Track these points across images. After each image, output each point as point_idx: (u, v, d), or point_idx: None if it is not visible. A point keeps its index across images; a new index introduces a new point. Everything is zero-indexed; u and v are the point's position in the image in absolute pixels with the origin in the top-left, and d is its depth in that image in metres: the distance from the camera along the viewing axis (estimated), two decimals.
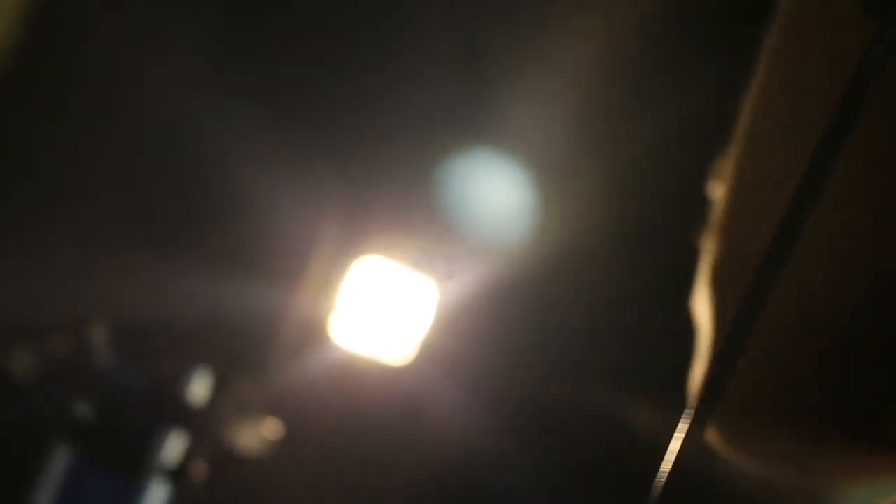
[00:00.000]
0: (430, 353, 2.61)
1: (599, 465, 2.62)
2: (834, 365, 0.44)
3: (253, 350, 2.35)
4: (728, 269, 0.50)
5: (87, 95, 2.39)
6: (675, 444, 0.39)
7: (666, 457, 0.39)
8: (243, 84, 2.43)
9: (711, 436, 0.45)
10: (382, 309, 2.59)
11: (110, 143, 2.37)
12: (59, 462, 1.99)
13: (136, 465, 1.98)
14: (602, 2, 2.39)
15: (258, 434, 2.05)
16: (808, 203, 0.39)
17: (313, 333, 2.55)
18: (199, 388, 2.07)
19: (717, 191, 0.54)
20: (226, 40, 2.45)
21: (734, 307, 0.46)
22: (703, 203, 0.57)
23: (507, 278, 2.55)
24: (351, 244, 2.57)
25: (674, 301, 2.31)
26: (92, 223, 2.31)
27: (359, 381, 2.61)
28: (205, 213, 2.44)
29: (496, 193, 2.58)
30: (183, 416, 2.01)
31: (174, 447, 2.03)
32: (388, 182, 2.58)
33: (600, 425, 2.59)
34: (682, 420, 0.39)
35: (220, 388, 2.08)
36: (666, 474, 0.38)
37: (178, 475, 1.99)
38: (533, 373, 2.61)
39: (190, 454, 2.01)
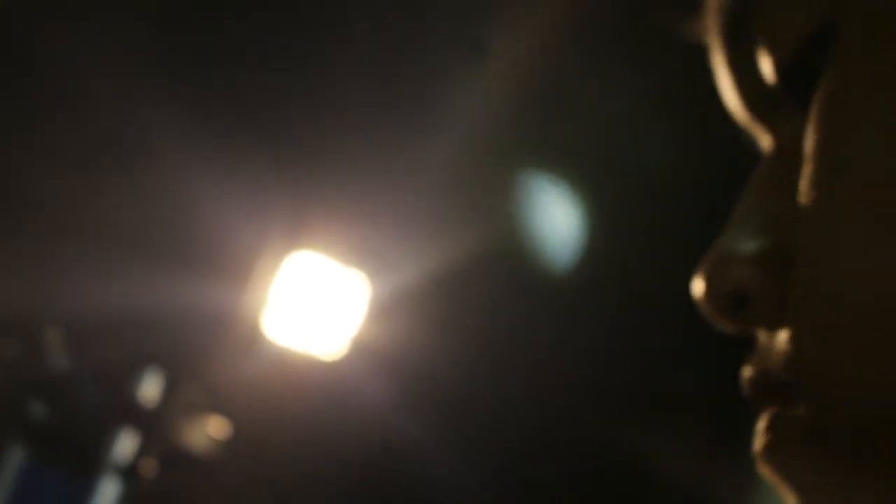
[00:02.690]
0: (362, 348, 2.73)
1: (527, 460, 2.76)
2: None
3: (195, 349, 2.45)
4: None
5: (34, 97, 2.47)
6: None
7: None
8: (185, 84, 2.52)
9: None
10: (314, 304, 2.72)
11: (56, 145, 2.46)
12: (13, 461, 2.11)
13: (87, 463, 2.12)
14: None
15: (205, 432, 2.17)
16: None
17: (248, 330, 2.66)
18: (149, 388, 2.20)
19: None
20: (169, 41, 2.53)
21: None
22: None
23: (439, 274, 2.67)
24: (286, 240, 2.68)
25: (625, 299, 2.42)
26: (39, 227, 2.40)
27: (291, 376, 2.72)
28: (145, 211, 2.54)
29: (435, 190, 2.70)
30: (134, 415, 2.14)
31: (125, 445, 2.17)
32: (323, 178, 2.69)
33: (530, 421, 2.75)
34: None
35: (169, 388, 2.21)
36: None
37: (129, 472, 2.12)
38: (462, 367, 2.75)
39: (140, 452, 2.13)
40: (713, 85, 0.46)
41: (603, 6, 2.48)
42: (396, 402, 2.75)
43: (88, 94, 2.46)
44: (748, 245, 0.42)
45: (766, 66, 0.43)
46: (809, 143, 0.40)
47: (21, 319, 2.14)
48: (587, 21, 2.46)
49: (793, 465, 0.41)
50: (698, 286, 0.43)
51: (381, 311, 2.74)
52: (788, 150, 0.42)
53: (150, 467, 2.16)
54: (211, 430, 2.22)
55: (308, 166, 2.69)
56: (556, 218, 2.75)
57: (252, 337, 2.67)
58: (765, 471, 0.42)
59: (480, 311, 2.77)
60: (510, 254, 2.78)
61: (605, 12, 2.49)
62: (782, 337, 0.41)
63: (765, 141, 0.45)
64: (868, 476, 0.40)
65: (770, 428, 0.42)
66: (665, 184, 2.62)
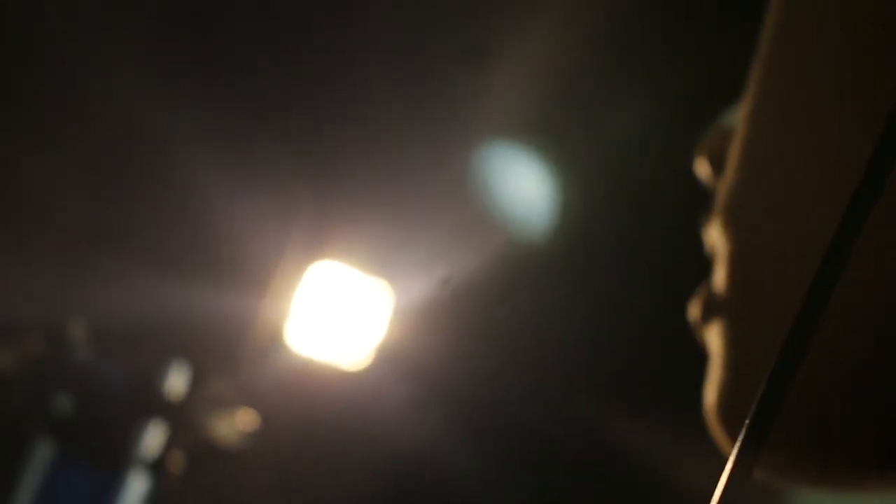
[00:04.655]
0: (386, 358, 2.76)
1: (558, 468, 2.79)
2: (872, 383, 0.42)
3: (221, 348, 2.51)
4: (745, 269, 0.46)
5: (60, 106, 2.54)
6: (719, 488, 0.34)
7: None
8: (210, 90, 2.58)
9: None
10: (338, 313, 2.76)
11: (84, 148, 2.52)
12: (41, 456, 2.16)
13: (115, 458, 2.17)
14: None
15: (233, 426, 2.25)
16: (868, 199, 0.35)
17: (271, 339, 2.69)
18: (176, 383, 2.26)
19: (705, 169, 0.50)
20: (192, 45, 2.60)
21: (741, 319, 0.44)
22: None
23: (464, 282, 2.69)
24: (310, 249, 2.72)
25: (653, 306, 2.38)
26: (66, 231, 2.46)
27: (315, 386, 2.75)
28: (166, 215, 2.60)
29: (458, 197, 2.75)
30: (160, 409, 2.20)
31: (152, 440, 2.22)
32: (347, 186, 2.74)
33: (560, 428, 2.75)
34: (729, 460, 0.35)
35: (195, 383, 2.28)
36: None
37: (156, 467, 2.18)
38: (487, 375, 2.76)
39: (168, 446, 2.20)
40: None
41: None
42: (422, 411, 2.76)
43: (112, 101, 2.50)
44: (733, 121, 0.50)
45: None
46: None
47: (48, 317, 2.19)
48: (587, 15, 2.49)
49: (715, 332, 0.47)
50: (700, 163, 0.51)
51: (405, 319, 2.77)
52: None
53: (177, 461, 2.21)
54: (238, 424, 2.26)
55: (331, 175, 2.73)
56: (578, 221, 2.77)
57: (275, 346, 2.70)
58: (699, 338, 0.49)
59: (506, 318, 2.79)
60: (536, 261, 2.79)
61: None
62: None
63: None
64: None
65: (699, 304, 0.49)
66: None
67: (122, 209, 2.56)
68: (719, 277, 0.47)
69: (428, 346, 2.79)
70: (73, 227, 2.48)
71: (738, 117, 0.48)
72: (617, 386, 2.77)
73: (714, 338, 0.47)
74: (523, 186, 2.81)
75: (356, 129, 2.72)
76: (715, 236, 0.48)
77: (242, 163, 2.62)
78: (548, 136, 2.77)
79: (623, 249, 2.76)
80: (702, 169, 0.50)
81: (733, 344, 0.46)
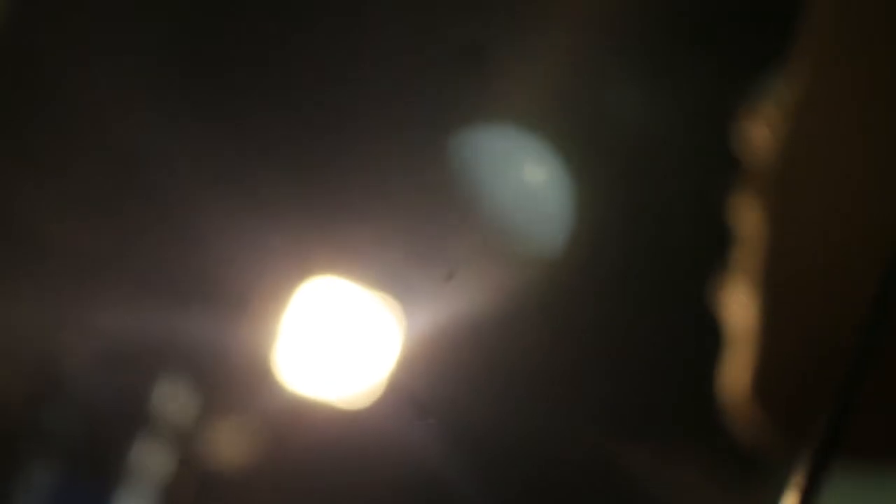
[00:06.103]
0: (395, 393, 2.56)
1: None
2: None
3: (223, 370, 2.45)
4: (779, 251, 0.47)
5: (45, 125, 2.52)
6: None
7: None
8: (191, 103, 2.52)
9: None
10: (337, 340, 2.58)
11: (69, 171, 2.51)
12: (40, 480, 2.10)
13: (112, 479, 2.11)
14: None
15: (231, 451, 2.24)
16: None
17: (261, 370, 2.52)
18: (175, 404, 2.21)
19: (753, 141, 0.52)
20: (173, 57, 2.57)
21: (782, 301, 0.45)
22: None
23: (484, 307, 2.52)
24: (301, 263, 2.56)
25: (679, 331, 2.42)
26: (63, 247, 2.42)
27: (309, 428, 2.57)
28: (163, 235, 2.53)
29: (460, 217, 2.64)
30: (158, 431, 2.16)
31: (150, 461, 2.17)
32: (345, 194, 2.60)
33: (588, 471, 2.64)
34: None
35: (194, 405, 2.24)
36: None
37: (153, 489, 2.12)
38: (510, 413, 2.58)
39: (165, 468, 2.15)
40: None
41: None
42: (436, 455, 2.56)
43: (99, 121, 2.47)
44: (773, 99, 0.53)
45: None
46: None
47: (44, 337, 2.21)
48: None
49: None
50: (743, 134, 0.52)
51: (418, 346, 2.58)
52: None
53: (175, 483, 2.15)
54: (236, 449, 2.25)
55: (332, 179, 2.60)
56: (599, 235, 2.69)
57: (266, 379, 2.52)
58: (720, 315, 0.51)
59: (531, 350, 2.63)
60: (562, 287, 2.67)
61: None
62: None
63: None
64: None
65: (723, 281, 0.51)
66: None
67: (118, 229, 2.52)
68: (750, 253, 0.47)
69: (443, 379, 2.60)
70: (69, 247, 2.44)
71: (779, 96, 0.49)
72: (646, 419, 2.67)
73: (742, 317, 0.47)
74: (537, 191, 2.74)
75: (358, 128, 2.61)
76: (748, 211, 0.48)
77: (229, 175, 2.55)
78: (560, 140, 2.69)
79: (639, 269, 2.66)
80: (743, 140, 0.51)
81: (768, 323, 0.46)
